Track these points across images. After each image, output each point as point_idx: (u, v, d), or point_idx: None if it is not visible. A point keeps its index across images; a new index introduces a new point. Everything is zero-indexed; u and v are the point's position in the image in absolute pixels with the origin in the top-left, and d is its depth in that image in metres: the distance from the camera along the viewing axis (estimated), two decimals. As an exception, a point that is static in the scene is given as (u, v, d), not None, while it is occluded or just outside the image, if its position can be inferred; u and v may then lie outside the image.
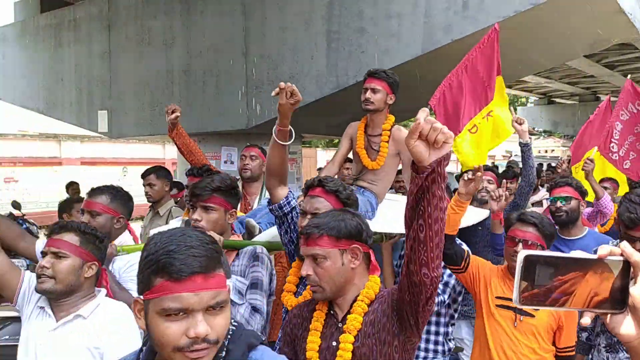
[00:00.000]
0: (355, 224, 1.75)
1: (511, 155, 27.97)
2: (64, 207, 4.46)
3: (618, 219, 2.56)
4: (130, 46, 7.07)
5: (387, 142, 3.17)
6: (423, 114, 1.25)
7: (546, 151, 36.65)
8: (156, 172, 4.28)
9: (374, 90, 3.13)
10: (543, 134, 34.78)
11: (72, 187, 7.72)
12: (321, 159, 22.23)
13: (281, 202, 2.38)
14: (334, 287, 1.71)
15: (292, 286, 2.27)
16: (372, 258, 1.81)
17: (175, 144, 3.78)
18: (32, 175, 15.96)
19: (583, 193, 3.41)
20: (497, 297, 2.52)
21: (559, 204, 3.34)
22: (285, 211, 2.39)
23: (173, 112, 3.63)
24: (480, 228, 3.68)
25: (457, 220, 2.62)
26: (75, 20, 7.71)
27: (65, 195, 7.49)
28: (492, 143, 4.46)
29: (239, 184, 3.71)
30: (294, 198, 2.41)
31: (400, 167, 3.47)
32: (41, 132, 19.37)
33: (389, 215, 3.31)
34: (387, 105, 3.19)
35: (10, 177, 15.70)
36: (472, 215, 3.30)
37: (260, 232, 2.85)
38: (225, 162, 6.73)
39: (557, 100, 21.81)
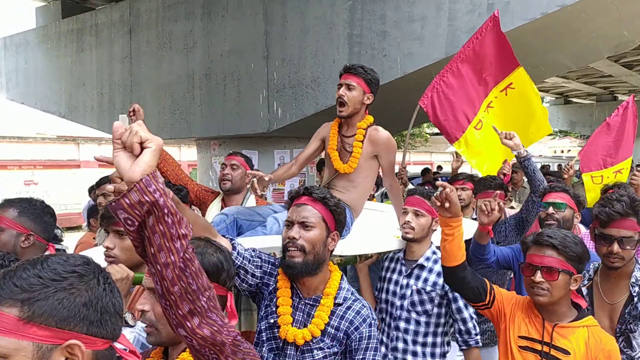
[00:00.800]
0: (214, 261, 1.52)
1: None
2: (92, 212, 4.49)
3: (594, 219, 2.29)
4: (151, 50, 7.11)
5: (362, 142, 2.87)
6: (118, 123, 1.06)
7: (562, 151, 36.33)
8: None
9: (348, 87, 2.83)
10: (559, 134, 34.45)
11: (94, 191, 7.77)
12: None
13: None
14: (171, 333, 1.36)
15: (288, 317, 1.97)
16: (230, 302, 1.56)
17: (160, 172, 3.34)
18: (51, 178, 16.13)
19: (580, 203, 3.04)
20: (520, 337, 2.12)
21: (551, 209, 2.93)
22: (238, 262, 1.99)
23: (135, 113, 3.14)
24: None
25: (455, 248, 2.19)
26: (96, 25, 7.78)
27: (84, 198, 7.54)
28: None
29: (219, 197, 3.46)
30: (237, 247, 2.01)
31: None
32: (59, 135, 19.58)
33: (366, 231, 3.04)
34: (365, 105, 2.88)
35: (29, 180, 15.87)
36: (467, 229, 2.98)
37: None
38: (246, 165, 6.74)
39: (574, 100, 21.59)
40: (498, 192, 3.02)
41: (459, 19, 4.92)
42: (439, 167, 17.20)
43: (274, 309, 2.02)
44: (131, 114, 3.14)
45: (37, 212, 2.30)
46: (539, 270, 2.03)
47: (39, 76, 8.64)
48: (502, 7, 4.64)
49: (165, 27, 6.93)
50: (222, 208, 3.32)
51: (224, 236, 2.02)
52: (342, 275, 2.06)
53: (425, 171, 10.69)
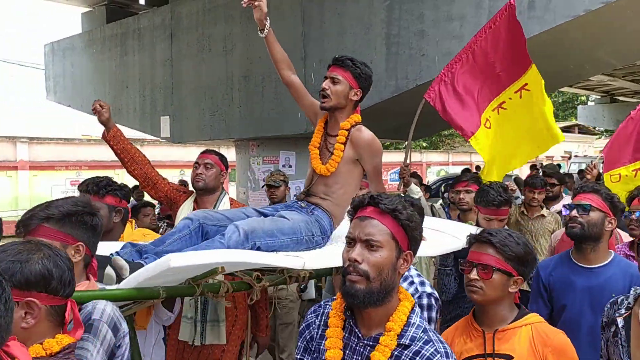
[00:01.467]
0: (38, 270, 1.36)
1: (570, 156, 27.01)
2: (132, 212, 4.62)
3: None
4: (191, 53, 7.26)
5: (343, 144, 2.61)
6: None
7: (608, 151, 35.20)
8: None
9: (333, 80, 2.61)
10: (605, 133, 33.47)
11: (137, 191, 7.98)
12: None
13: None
14: None
15: (338, 356, 1.62)
16: (73, 311, 1.42)
17: (112, 148, 3.16)
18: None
19: (615, 207, 2.65)
20: None
21: (574, 212, 2.60)
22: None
23: (101, 109, 3.07)
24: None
25: None
26: (139, 29, 7.99)
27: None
28: (521, 146, 3.91)
29: (191, 197, 3.26)
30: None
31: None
32: (103, 136, 20.12)
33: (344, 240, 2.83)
34: (352, 102, 2.63)
35: (76, 180, 16.38)
36: (458, 234, 2.76)
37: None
38: (284, 166, 6.81)
39: (620, 98, 20.92)
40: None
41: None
42: (477, 168, 16.93)
43: (321, 349, 1.65)
44: (99, 108, 3.07)
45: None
46: (475, 267, 1.96)
47: (85, 79, 8.92)
48: (544, 4, 4.55)
49: (205, 30, 7.06)
50: (194, 209, 3.18)
51: None
52: (413, 306, 1.65)
53: (465, 172, 10.55)
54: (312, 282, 4.40)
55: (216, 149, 3.65)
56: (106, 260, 2.08)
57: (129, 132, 9.95)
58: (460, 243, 2.67)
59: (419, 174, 20.31)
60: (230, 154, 18.79)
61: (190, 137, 7.62)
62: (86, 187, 2.77)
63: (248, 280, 2.21)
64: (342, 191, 2.64)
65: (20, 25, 22.80)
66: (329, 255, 2.44)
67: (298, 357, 1.71)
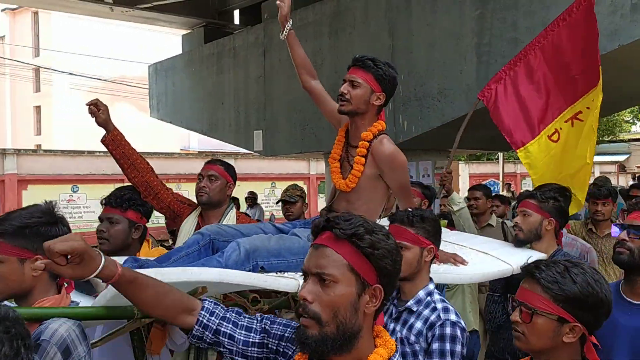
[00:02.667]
0: None
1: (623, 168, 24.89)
2: None
3: None
4: (283, 69, 7.50)
5: (364, 156, 2.39)
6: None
7: None
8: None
9: (352, 84, 2.40)
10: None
11: (234, 202, 8.32)
12: (464, 172, 21.61)
13: (194, 330, 1.51)
14: None
15: None
16: None
17: (111, 153, 2.91)
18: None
19: None
20: None
21: (623, 234, 2.18)
22: (209, 340, 1.51)
23: (97, 109, 2.84)
24: None
25: None
26: (234, 48, 8.38)
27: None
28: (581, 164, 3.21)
29: (196, 210, 2.98)
30: (210, 312, 1.52)
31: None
32: (201, 150, 21.20)
33: None
34: (374, 107, 2.40)
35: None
36: (508, 258, 2.48)
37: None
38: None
39: None
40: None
41: (599, 22, 4.61)
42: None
43: None
44: (93, 109, 2.85)
45: None
46: (518, 307, 1.61)
47: (184, 97, 9.47)
48: (649, 6, 4.28)
49: (296, 46, 7.28)
50: (198, 223, 2.96)
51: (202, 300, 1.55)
52: (391, 355, 1.33)
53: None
54: None
55: (306, 162, 3.52)
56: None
57: (224, 146, 10.43)
58: (506, 268, 2.42)
59: (512, 185, 19.55)
60: (320, 166, 19.10)
61: (281, 151, 7.85)
62: (109, 199, 2.70)
63: (242, 302, 2.00)
64: (366, 207, 2.40)
65: (128, 48, 24.60)
66: None
67: None
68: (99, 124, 2.85)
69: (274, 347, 1.45)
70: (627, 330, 2.06)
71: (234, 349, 1.47)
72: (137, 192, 2.85)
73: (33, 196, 13.56)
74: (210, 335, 1.50)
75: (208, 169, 3.01)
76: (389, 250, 1.31)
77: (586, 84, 3.27)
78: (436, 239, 2.23)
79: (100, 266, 1.37)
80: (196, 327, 1.50)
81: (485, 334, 3.93)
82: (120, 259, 2.13)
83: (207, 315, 1.50)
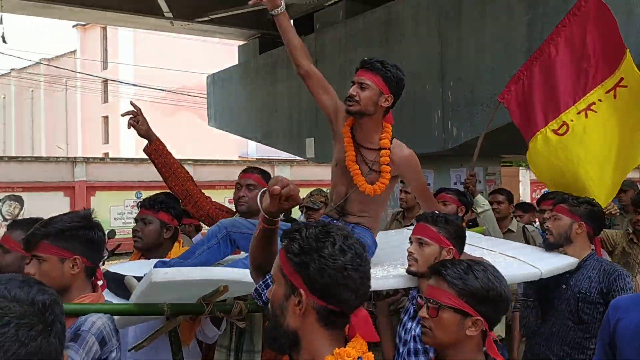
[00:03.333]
0: None
1: None
2: None
3: None
4: (334, 77, 7.62)
5: (389, 164, 2.44)
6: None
7: None
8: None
9: (361, 86, 2.41)
10: None
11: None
12: (525, 178, 21.07)
13: (258, 286, 1.64)
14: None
15: None
16: None
17: (152, 162, 3.00)
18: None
19: None
20: None
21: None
22: (264, 299, 1.59)
23: (135, 123, 2.92)
24: (564, 286, 2.68)
25: None
26: (287, 58, 8.58)
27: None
28: (613, 161, 3.00)
29: (235, 217, 2.89)
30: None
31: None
32: (259, 157, 21.68)
33: (384, 259, 2.50)
34: (382, 109, 2.45)
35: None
36: (535, 261, 2.46)
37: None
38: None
39: None
40: None
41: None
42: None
43: None
44: (132, 122, 2.94)
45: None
46: (425, 303, 1.69)
47: (240, 106, 9.78)
48: None
49: (347, 55, 7.41)
50: None
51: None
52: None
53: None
54: None
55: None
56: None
57: (281, 153, 10.69)
58: (534, 272, 2.42)
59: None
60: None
61: (332, 157, 7.97)
62: (144, 202, 2.88)
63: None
64: (378, 206, 2.52)
65: (189, 59, 25.50)
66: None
67: None
68: (141, 135, 2.95)
69: None
70: None
71: None
72: (170, 196, 3.01)
73: (100, 202, 14.32)
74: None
75: (246, 178, 3.01)
76: (314, 258, 1.27)
77: (599, 74, 3.16)
78: (457, 242, 2.29)
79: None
80: (261, 283, 1.62)
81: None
82: (150, 262, 2.36)
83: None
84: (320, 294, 1.28)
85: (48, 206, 11.80)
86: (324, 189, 5.91)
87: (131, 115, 2.92)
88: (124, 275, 2.26)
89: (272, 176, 3.13)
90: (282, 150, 8.97)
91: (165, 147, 3.04)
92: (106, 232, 6.48)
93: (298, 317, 1.29)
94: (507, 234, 4.34)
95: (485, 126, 5.75)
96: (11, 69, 30.77)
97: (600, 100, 3.16)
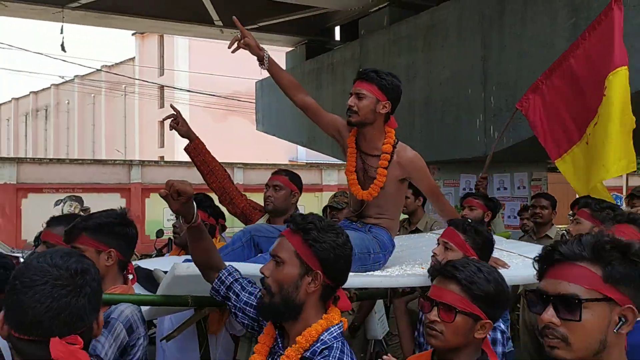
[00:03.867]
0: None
1: None
2: None
3: None
4: (377, 83, 7.73)
5: (387, 168, 2.53)
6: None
7: None
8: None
9: (358, 96, 2.50)
10: None
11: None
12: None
13: (214, 284, 1.90)
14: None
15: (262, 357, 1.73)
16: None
17: (192, 160, 3.17)
18: (300, 200, 18.16)
19: None
20: None
21: None
22: (222, 293, 1.89)
23: (176, 125, 3.07)
24: None
25: None
26: (332, 64, 8.76)
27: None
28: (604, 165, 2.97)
29: (265, 216, 3.16)
30: (229, 273, 1.91)
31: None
32: (307, 161, 21.94)
33: (403, 259, 2.60)
34: (381, 115, 2.54)
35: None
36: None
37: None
38: (464, 189, 6.84)
39: None
40: None
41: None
42: None
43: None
44: (173, 124, 3.09)
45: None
46: (436, 306, 1.68)
47: (287, 111, 9.99)
48: None
49: (390, 61, 7.49)
50: None
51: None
52: (331, 326, 1.63)
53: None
54: (375, 318, 4.03)
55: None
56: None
57: (329, 158, 10.84)
58: (527, 262, 2.40)
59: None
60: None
61: (375, 162, 8.06)
62: None
63: None
64: (394, 207, 2.63)
65: (240, 66, 26.07)
66: (382, 276, 2.32)
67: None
68: (182, 135, 3.13)
69: None
70: None
71: (238, 305, 1.85)
72: (208, 196, 3.20)
73: (155, 203, 14.87)
74: (224, 289, 1.88)
75: (273, 180, 3.21)
76: (332, 246, 1.63)
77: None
78: (483, 253, 2.33)
79: (195, 214, 1.83)
80: (216, 280, 1.90)
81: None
82: (179, 259, 2.55)
83: (226, 274, 1.90)
84: (332, 275, 1.64)
85: (106, 207, 12.18)
86: (344, 191, 5.97)
87: (172, 119, 3.09)
88: (152, 270, 2.44)
89: (301, 179, 3.38)
90: (326, 154, 9.12)
91: (205, 146, 3.19)
92: (156, 231, 6.74)
93: (308, 293, 1.62)
94: (543, 239, 4.31)
95: (528, 131, 5.73)
96: (74, 76, 32.33)
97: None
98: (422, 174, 2.64)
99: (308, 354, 1.59)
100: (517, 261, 2.52)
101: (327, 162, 18.92)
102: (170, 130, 3.15)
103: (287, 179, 3.20)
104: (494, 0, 6.04)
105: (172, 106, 3.27)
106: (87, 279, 1.30)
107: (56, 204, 14.33)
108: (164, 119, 3.22)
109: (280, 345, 1.69)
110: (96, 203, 13.98)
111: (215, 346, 2.81)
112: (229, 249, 2.50)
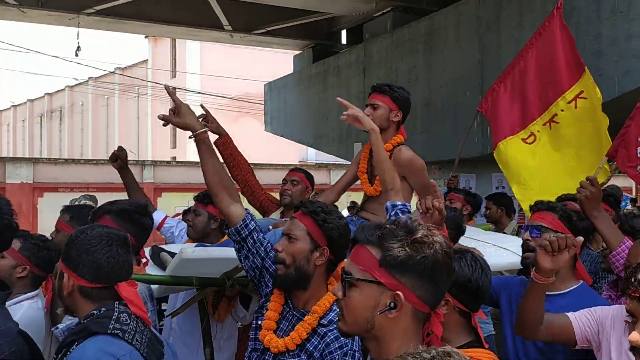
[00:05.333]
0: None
1: None
2: None
3: None
4: (380, 85, 7.98)
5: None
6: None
7: None
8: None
9: (374, 107, 2.81)
10: None
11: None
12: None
13: (238, 225, 2.10)
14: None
15: (272, 323, 2.03)
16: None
17: (220, 154, 3.35)
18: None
19: (576, 228, 2.23)
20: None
21: (527, 235, 2.31)
22: (243, 235, 2.12)
23: (207, 121, 3.31)
24: None
25: None
26: (338, 67, 9.02)
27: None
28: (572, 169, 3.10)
29: (279, 209, 3.42)
30: (252, 219, 2.15)
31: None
32: (317, 162, 22.20)
33: None
34: (393, 123, 2.84)
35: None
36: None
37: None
38: (464, 188, 7.05)
39: None
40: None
41: None
42: None
43: (264, 312, 2.07)
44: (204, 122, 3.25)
45: (84, 218, 2.55)
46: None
47: (294, 113, 10.28)
48: None
49: (393, 64, 7.74)
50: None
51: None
52: None
53: None
54: None
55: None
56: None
57: (338, 159, 11.09)
58: (517, 260, 2.60)
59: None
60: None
61: (379, 162, 8.29)
62: (197, 196, 3.36)
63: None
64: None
65: (251, 68, 26.44)
66: None
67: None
68: (212, 131, 3.34)
69: (268, 264, 2.15)
70: None
71: (252, 250, 2.12)
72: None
73: (166, 203, 15.20)
74: (247, 231, 2.12)
75: (292, 175, 3.54)
76: (337, 226, 2.01)
77: (560, 87, 3.38)
78: (453, 234, 2.59)
79: (201, 129, 2.12)
80: (241, 222, 2.11)
81: None
82: (191, 245, 2.85)
83: (250, 219, 2.15)
84: (335, 250, 2.00)
85: (119, 205, 12.69)
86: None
87: (203, 117, 3.32)
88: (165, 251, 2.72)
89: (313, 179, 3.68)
90: (332, 154, 9.38)
91: (232, 141, 3.46)
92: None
93: (317, 266, 1.98)
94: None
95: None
96: (89, 78, 32.86)
97: (562, 111, 3.39)
98: (414, 174, 2.83)
99: (325, 322, 1.93)
100: (490, 250, 2.75)
101: (336, 162, 19.17)
102: (212, 128, 3.36)
103: (304, 176, 3.55)
104: (490, 5, 6.27)
105: (202, 106, 3.59)
106: (129, 242, 1.77)
107: (71, 202, 14.72)
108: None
109: (291, 308, 2.02)
110: (110, 202, 14.36)
111: (221, 332, 3.05)
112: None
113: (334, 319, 1.88)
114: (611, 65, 5.08)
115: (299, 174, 3.55)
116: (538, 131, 3.39)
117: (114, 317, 1.62)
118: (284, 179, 3.55)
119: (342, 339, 1.87)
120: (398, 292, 1.24)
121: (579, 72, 3.39)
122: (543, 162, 3.38)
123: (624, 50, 4.99)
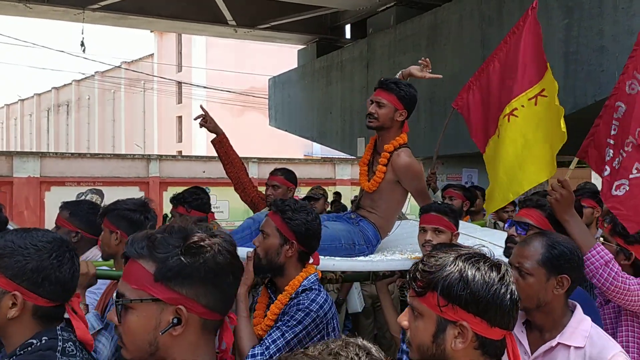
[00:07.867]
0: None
1: None
2: None
3: None
4: (384, 80, 8.01)
5: (385, 165, 2.75)
6: None
7: None
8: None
9: (379, 104, 2.73)
10: None
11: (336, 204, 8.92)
12: (598, 181, 20.36)
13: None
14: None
15: (261, 312, 2.26)
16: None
17: (217, 152, 3.53)
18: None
19: (562, 227, 2.20)
20: None
21: (512, 230, 2.32)
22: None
23: (205, 122, 3.46)
24: None
25: None
26: (341, 61, 9.05)
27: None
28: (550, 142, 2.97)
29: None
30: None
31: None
32: (322, 156, 22.25)
33: (384, 246, 2.86)
34: (398, 122, 2.78)
35: (296, 195, 18.43)
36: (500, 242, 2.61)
37: None
38: (466, 183, 7.09)
39: None
40: None
41: None
42: None
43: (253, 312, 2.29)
44: (202, 122, 3.44)
45: (85, 213, 2.70)
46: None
47: (298, 107, 10.32)
48: None
49: (396, 58, 7.76)
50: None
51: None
52: (309, 276, 2.20)
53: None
54: (356, 293, 4.54)
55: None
56: None
57: (341, 153, 11.14)
58: (498, 251, 2.55)
59: None
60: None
61: (382, 156, 8.34)
62: (174, 199, 3.54)
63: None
64: (386, 206, 2.83)
65: (256, 62, 26.50)
66: (365, 260, 2.59)
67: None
68: (210, 130, 3.49)
69: None
70: None
71: None
72: (201, 190, 3.57)
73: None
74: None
75: (271, 180, 3.61)
76: (303, 222, 2.19)
77: (525, 84, 3.31)
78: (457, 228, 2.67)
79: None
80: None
81: None
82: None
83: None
84: (304, 243, 2.20)
85: (125, 199, 12.79)
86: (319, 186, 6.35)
87: (201, 118, 3.46)
88: None
89: (295, 175, 3.74)
90: (335, 149, 9.43)
91: (228, 141, 3.55)
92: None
93: (287, 257, 2.19)
94: None
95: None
96: (95, 72, 32.98)
97: (522, 107, 3.29)
98: (408, 178, 2.80)
99: (294, 295, 2.16)
100: (485, 250, 2.75)
101: (341, 157, 19.23)
102: (201, 127, 3.53)
103: (283, 178, 3.60)
104: (493, 0, 6.28)
105: (201, 107, 3.66)
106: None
107: (78, 196, 14.84)
108: (195, 119, 3.60)
109: (273, 297, 2.25)
110: (116, 196, 14.35)
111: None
112: (238, 235, 2.73)
113: (300, 290, 2.16)
114: (612, 61, 5.09)
115: (278, 177, 3.60)
116: (500, 125, 3.31)
117: (58, 348, 1.33)
118: (266, 183, 3.64)
119: (303, 301, 2.12)
120: (180, 306, 1.12)
121: (543, 70, 3.27)
122: (500, 155, 3.28)
123: (625, 46, 5.00)
